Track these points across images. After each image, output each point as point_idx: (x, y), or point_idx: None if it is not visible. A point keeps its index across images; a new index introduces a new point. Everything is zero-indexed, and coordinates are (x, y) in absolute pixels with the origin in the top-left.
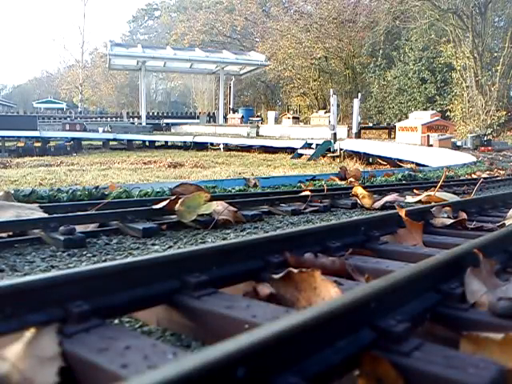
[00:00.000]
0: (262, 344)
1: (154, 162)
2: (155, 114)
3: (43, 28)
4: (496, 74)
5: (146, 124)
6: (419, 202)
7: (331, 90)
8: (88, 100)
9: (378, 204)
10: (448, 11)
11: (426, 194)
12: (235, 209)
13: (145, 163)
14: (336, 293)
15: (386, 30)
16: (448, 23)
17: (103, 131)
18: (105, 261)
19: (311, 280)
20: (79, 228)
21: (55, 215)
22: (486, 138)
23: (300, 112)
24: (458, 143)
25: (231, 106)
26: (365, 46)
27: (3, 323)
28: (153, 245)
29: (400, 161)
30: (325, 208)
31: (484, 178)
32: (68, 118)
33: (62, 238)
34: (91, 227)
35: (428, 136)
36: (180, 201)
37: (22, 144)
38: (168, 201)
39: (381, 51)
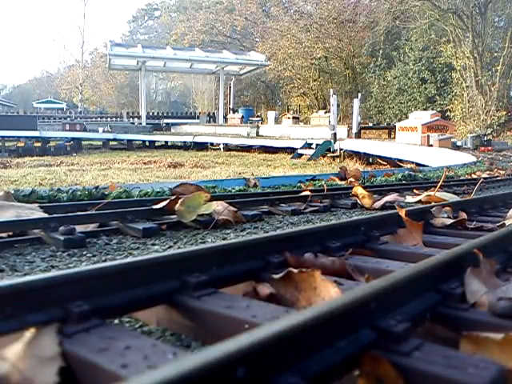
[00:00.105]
0: (262, 344)
1: (154, 161)
2: (155, 113)
3: (43, 28)
4: (496, 74)
5: (146, 124)
6: (419, 201)
7: (331, 90)
8: (88, 100)
9: (377, 204)
10: (448, 11)
11: (425, 194)
12: (235, 209)
13: (145, 163)
14: (336, 293)
15: (386, 30)
16: (448, 23)
17: (103, 131)
18: (105, 261)
19: (311, 280)
20: (79, 228)
21: (55, 215)
22: (486, 138)
23: (300, 112)
24: (458, 143)
25: (231, 106)
26: (365, 46)
27: (3, 323)
28: (153, 245)
29: (400, 161)
30: (325, 208)
31: (484, 178)
32: (68, 118)
33: (61, 237)
34: (91, 227)
35: (428, 136)
36: (180, 201)
37: (22, 144)
38: (168, 201)
39: (381, 51)
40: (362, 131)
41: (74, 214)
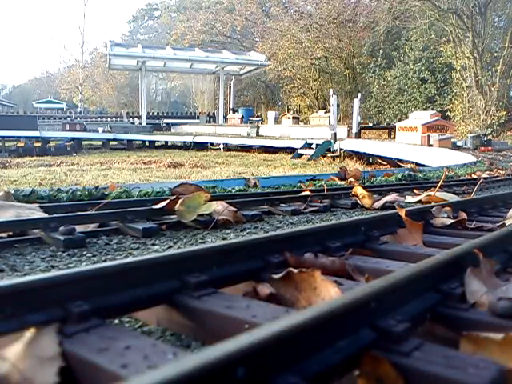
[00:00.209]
0: (262, 344)
1: (154, 161)
2: (155, 113)
3: (43, 28)
4: (496, 74)
5: (146, 124)
6: (419, 202)
7: (331, 90)
8: (88, 100)
9: (377, 204)
10: (448, 11)
11: (425, 194)
12: (235, 209)
13: (145, 163)
14: (336, 293)
15: (385, 30)
16: (448, 23)
17: (103, 131)
18: (105, 261)
19: (311, 280)
20: (79, 228)
21: (55, 215)
22: (486, 138)
23: (300, 112)
24: (458, 143)
25: (231, 106)
26: (365, 46)
27: (3, 323)
28: (153, 245)
29: (400, 161)
30: (325, 208)
31: (484, 178)
32: (68, 118)
33: (61, 237)
34: (91, 227)
35: (428, 136)
36: (180, 201)
37: (22, 144)
38: (168, 201)
39: (381, 51)
40: (362, 131)
41: (74, 214)
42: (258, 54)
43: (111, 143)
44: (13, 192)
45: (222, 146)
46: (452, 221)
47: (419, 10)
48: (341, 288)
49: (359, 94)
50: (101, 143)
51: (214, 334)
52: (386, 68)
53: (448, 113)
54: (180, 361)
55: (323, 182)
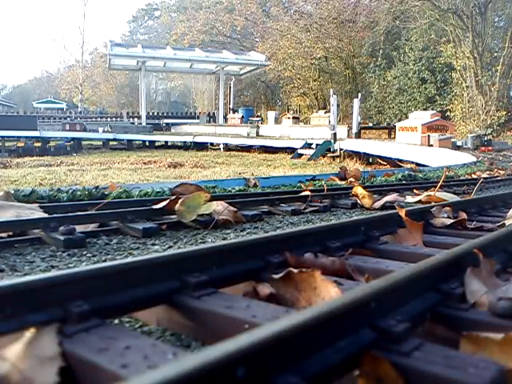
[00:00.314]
0: (262, 344)
1: (154, 161)
2: (155, 114)
3: (43, 28)
4: (496, 74)
5: (146, 124)
6: (419, 201)
7: (331, 90)
8: (88, 100)
9: (377, 204)
10: (448, 11)
11: (425, 194)
12: (235, 209)
13: (145, 163)
14: (336, 293)
15: (385, 30)
16: (448, 23)
17: (103, 131)
18: (105, 261)
19: (311, 280)
20: (79, 228)
21: (55, 215)
22: (486, 138)
23: (300, 112)
24: (459, 143)
25: (231, 106)
26: (365, 46)
27: (3, 323)
28: (153, 245)
29: (400, 161)
30: (325, 208)
31: (484, 178)
32: (68, 118)
33: (61, 237)
34: (91, 227)
35: (428, 136)
36: (180, 201)
37: (22, 144)
38: (168, 201)
39: (381, 51)
40: (362, 131)
41: (74, 214)
42: (257, 54)
43: (111, 143)
44: (13, 192)
45: (221, 146)
46: (452, 221)
47: (419, 10)
48: (341, 288)
49: (359, 94)
50: (101, 143)
51: (214, 334)
52: (385, 68)
53: (448, 113)
54: (180, 361)
55: (323, 182)
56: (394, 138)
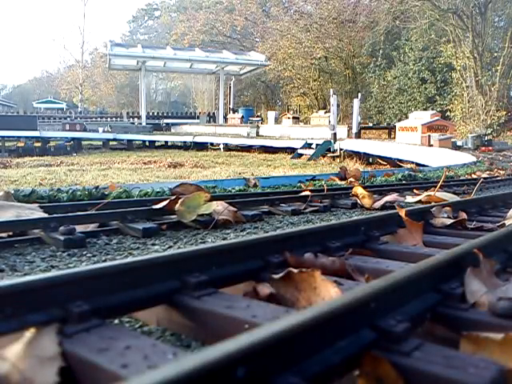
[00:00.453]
0: (262, 344)
1: (154, 161)
2: (155, 114)
3: (43, 28)
4: (496, 74)
5: (146, 124)
6: (419, 202)
7: (331, 90)
8: (88, 100)
9: (377, 204)
10: (448, 11)
11: (426, 194)
12: (235, 209)
13: (145, 163)
14: (336, 293)
15: (385, 30)
16: (448, 23)
17: (103, 131)
18: (105, 261)
19: (311, 280)
20: (79, 228)
21: (55, 215)
22: (486, 138)
23: (300, 112)
24: (459, 143)
25: (231, 106)
26: (365, 46)
27: (3, 323)
28: (153, 245)
29: (400, 161)
30: (325, 208)
31: (484, 178)
32: (68, 118)
33: (61, 237)
34: (91, 227)
35: (429, 136)
36: (180, 201)
37: (22, 144)
38: (168, 201)
39: (381, 51)
40: (362, 131)
41: (74, 214)
42: (257, 54)
43: (111, 143)
44: (13, 192)
45: (221, 146)
46: (452, 221)
47: (419, 10)
48: (341, 288)
49: (359, 94)
50: (101, 143)
51: (214, 334)
52: (386, 68)
53: (448, 113)
54: (180, 361)
55: (323, 182)
56: (394, 138)
